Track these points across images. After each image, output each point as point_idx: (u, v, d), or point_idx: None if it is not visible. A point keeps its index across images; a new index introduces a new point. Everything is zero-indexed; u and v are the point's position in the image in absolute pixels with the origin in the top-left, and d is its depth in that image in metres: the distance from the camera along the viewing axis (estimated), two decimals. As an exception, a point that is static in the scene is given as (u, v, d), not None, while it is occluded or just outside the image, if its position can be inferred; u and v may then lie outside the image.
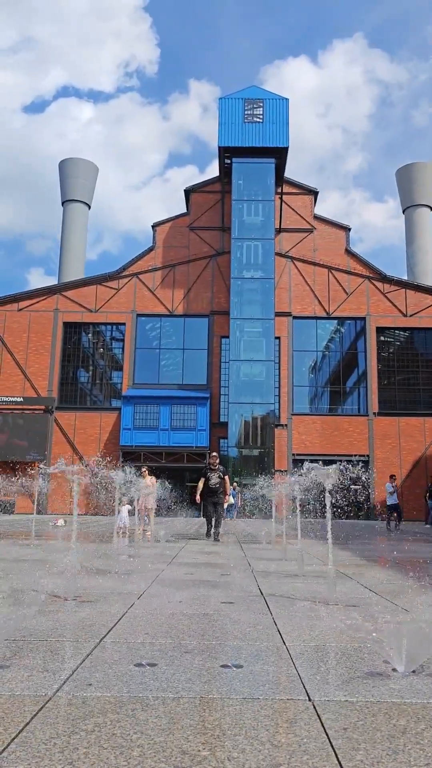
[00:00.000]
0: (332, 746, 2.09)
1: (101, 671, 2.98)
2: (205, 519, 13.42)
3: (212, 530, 12.49)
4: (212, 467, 12.57)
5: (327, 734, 2.20)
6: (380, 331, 33.81)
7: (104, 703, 2.52)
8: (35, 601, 4.90)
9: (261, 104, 33.94)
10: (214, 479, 12.38)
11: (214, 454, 13.35)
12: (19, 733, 2.18)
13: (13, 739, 2.12)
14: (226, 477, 12.82)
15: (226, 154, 33.78)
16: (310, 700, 2.60)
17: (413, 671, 3.02)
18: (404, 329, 34.14)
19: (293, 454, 31.91)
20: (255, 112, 33.74)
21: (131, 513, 17.40)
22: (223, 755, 2.01)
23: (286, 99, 34.27)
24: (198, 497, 12.49)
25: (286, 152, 33.49)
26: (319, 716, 2.40)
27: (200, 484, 12.46)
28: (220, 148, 33.54)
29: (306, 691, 2.70)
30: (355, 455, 32.00)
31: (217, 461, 12.83)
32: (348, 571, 7.42)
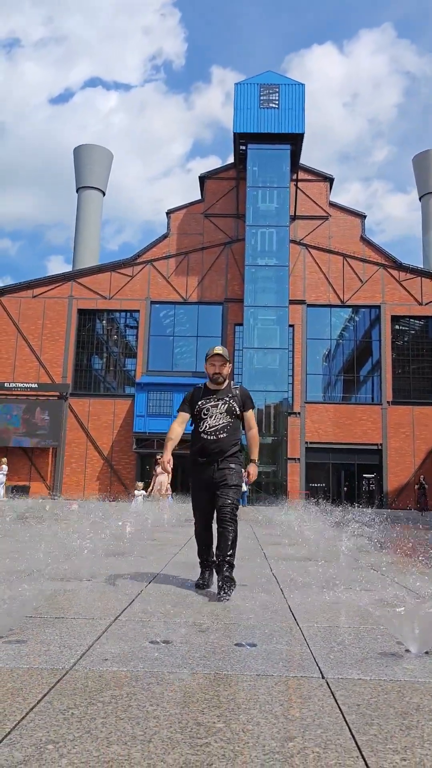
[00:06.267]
0: (346, 721, 2.12)
1: (117, 647, 3.02)
2: (195, 530, 5.16)
3: (210, 568, 5.02)
4: (215, 384, 5.13)
5: (340, 710, 2.23)
6: (395, 319, 33.56)
7: (120, 677, 2.56)
8: (52, 581, 4.97)
9: (277, 90, 33.59)
10: (218, 418, 4.98)
11: (219, 350, 5.14)
12: (37, 703, 2.22)
13: (32, 708, 2.17)
14: (250, 412, 5.15)
15: (242, 140, 33.53)
16: (323, 677, 2.62)
17: (426, 652, 3.04)
18: (419, 318, 33.86)
19: (306, 443, 31.89)
20: (271, 98, 33.42)
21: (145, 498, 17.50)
22: (238, 727, 2.04)
23: (302, 84, 33.89)
24: (166, 458, 5.12)
25: (302, 138, 33.16)
26: (332, 693, 2.42)
27: (175, 429, 5.16)
28: (235, 134, 33.29)
29: (319, 669, 2.73)
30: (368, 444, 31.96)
31: (226, 370, 5.11)
32: (361, 555, 7.43)
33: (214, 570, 4.97)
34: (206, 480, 4.91)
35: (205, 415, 5.01)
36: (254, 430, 5.17)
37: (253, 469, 5.00)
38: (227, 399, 5.04)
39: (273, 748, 1.87)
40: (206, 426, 4.98)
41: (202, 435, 4.98)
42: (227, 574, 4.57)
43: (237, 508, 4.84)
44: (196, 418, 5.07)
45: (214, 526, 4.90)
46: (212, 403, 5.03)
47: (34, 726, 2.01)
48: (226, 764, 1.75)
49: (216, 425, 4.96)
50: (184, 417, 5.19)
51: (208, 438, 4.95)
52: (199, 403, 5.07)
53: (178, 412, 5.26)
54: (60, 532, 9.88)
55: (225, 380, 5.14)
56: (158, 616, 3.80)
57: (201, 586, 4.85)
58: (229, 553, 4.66)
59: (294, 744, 1.91)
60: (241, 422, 5.14)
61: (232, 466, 4.90)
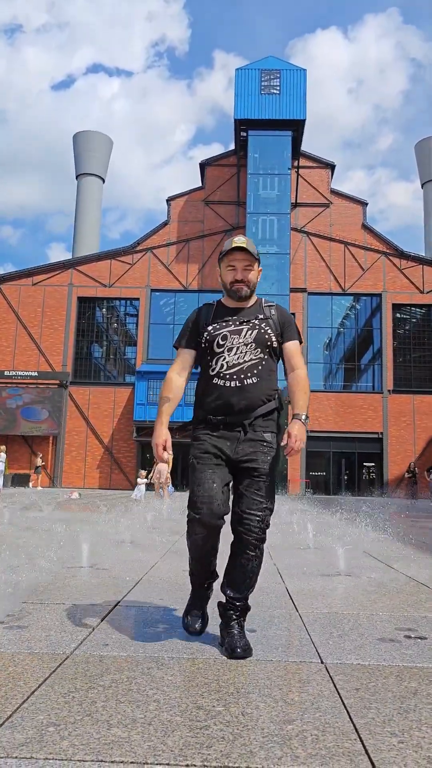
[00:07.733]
0: (344, 705, 2.14)
1: (117, 633, 3.04)
2: (190, 536, 2.82)
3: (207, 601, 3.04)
4: (236, 299, 2.99)
5: (339, 694, 2.25)
6: (396, 307, 33.50)
7: (120, 662, 2.58)
8: (53, 567, 5.00)
9: (278, 75, 33.30)
10: (242, 352, 2.86)
11: (241, 241, 2.91)
12: (38, 686, 2.24)
13: (33, 692, 2.19)
14: (294, 345, 2.97)
15: (242, 126, 33.29)
16: (322, 662, 2.64)
17: (425, 637, 3.06)
18: (421, 306, 33.79)
19: (307, 431, 31.86)
20: (272, 84, 33.13)
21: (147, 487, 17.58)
22: (238, 711, 2.05)
23: (304, 70, 33.60)
24: (160, 439, 2.97)
25: (303, 124, 32.93)
26: (331, 677, 2.44)
27: (173, 381, 3.04)
28: (236, 120, 33.05)
29: (318, 655, 2.75)
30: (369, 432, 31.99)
31: (254, 276, 2.98)
32: (361, 543, 7.47)
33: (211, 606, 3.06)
34: (221, 453, 2.86)
35: (220, 347, 2.91)
36: (301, 371, 2.98)
37: (299, 430, 2.84)
38: (256, 322, 2.95)
39: (272, 731, 1.89)
40: (223, 365, 2.90)
41: (217, 380, 2.91)
42: (237, 619, 2.83)
43: (268, 520, 2.82)
44: (206, 353, 2.97)
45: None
46: (231, 328, 2.94)
47: (35, 709, 2.03)
48: (225, 746, 1.77)
49: (239, 364, 2.88)
50: (186, 358, 3.07)
51: (227, 385, 2.88)
52: (210, 328, 2.97)
53: (175, 348, 3.13)
54: (63, 521, 9.93)
55: (252, 293, 3.04)
56: (158, 602, 3.82)
57: (193, 630, 2.99)
58: (245, 591, 2.89)
59: (293, 727, 1.93)
60: (279, 357, 3.01)
61: (267, 438, 2.90)
